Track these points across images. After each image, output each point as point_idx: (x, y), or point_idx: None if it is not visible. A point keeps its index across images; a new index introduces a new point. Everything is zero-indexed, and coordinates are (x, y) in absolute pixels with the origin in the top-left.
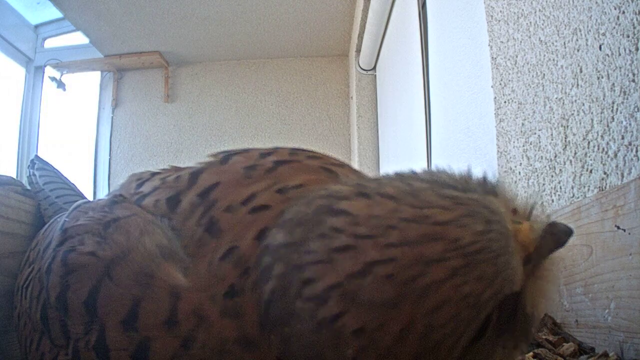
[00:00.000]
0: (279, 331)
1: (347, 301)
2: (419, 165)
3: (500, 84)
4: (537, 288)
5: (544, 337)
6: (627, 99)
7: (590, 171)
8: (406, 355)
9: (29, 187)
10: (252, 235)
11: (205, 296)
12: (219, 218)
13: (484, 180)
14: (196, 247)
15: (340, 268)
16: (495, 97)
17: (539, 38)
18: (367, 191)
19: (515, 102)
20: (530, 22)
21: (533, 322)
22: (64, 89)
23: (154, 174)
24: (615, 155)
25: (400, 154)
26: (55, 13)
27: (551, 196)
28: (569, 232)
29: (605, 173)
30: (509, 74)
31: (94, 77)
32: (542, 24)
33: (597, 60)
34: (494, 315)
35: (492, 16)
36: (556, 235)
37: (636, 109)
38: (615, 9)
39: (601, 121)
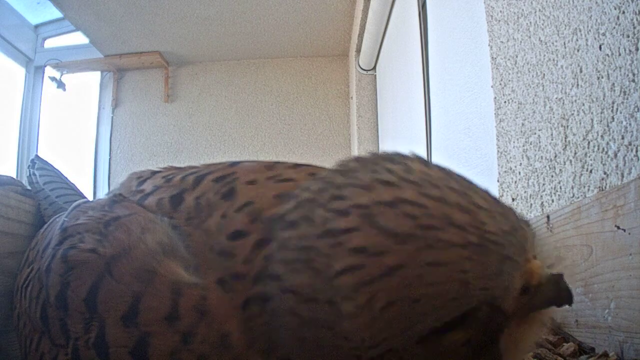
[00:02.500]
0: (277, 236)
1: (365, 221)
2: None
3: (500, 84)
4: (518, 334)
5: (544, 337)
6: (627, 99)
7: (590, 171)
8: (381, 295)
9: (29, 187)
10: (273, 194)
11: (206, 247)
12: (240, 188)
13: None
14: (208, 211)
15: (375, 195)
16: (495, 97)
17: (539, 38)
18: (426, 162)
19: (515, 102)
20: (530, 22)
21: None
22: (64, 89)
23: (154, 172)
24: (615, 155)
25: None
26: (55, 13)
27: (551, 196)
28: (569, 293)
29: (605, 173)
30: (509, 74)
31: (94, 77)
32: (542, 24)
33: (597, 60)
34: (472, 325)
35: (492, 16)
36: (558, 286)
37: (636, 109)
38: (615, 9)
39: (601, 121)
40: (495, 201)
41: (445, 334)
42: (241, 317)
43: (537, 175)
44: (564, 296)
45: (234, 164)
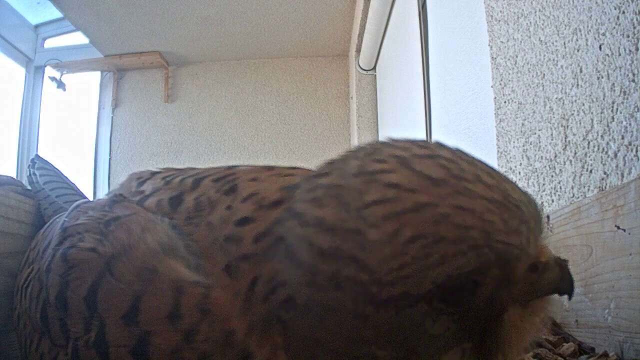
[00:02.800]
0: (304, 186)
1: (401, 165)
2: None
3: (500, 84)
4: (519, 323)
5: (544, 337)
6: (627, 99)
7: (590, 171)
8: (408, 228)
9: (29, 187)
10: (277, 186)
11: (209, 239)
12: (242, 185)
13: None
14: (210, 207)
15: (412, 151)
16: (495, 97)
17: (539, 38)
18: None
19: (515, 102)
20: (530, 22)
21: (498, 351)
22: (64, 89)
23: (154, 173)
24: (615, 155)
25: None
26: (55, 13)
27: (551, 196)
28: (571, 280)
29: (605, 173)
30: (509, 74)
31: (94, 77)
32: (542, 24)
33: (597, 60)
34: (482, 288)
35: (492, 16)
36: (564, 270)
37: (636, 109)
38: (615, 9)
39: (601, 121)
40: (514, 183)
41: (457, 292)
42: (244, 302)
43: (537, 175)
44: (567, 281)
45: (232, 167)
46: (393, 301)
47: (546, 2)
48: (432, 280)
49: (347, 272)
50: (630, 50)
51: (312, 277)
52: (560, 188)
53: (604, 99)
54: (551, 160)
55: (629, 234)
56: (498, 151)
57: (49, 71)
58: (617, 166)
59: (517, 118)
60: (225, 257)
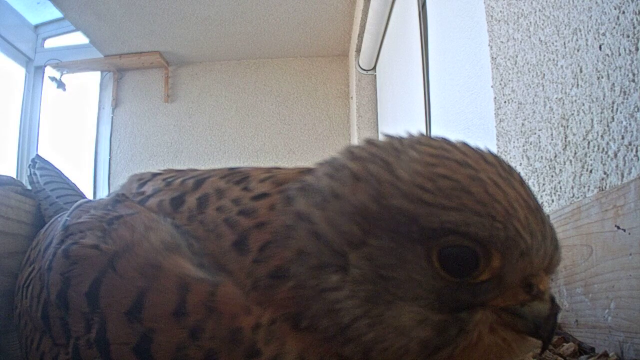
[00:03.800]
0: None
1: (461, 143)
2: None
3: (500, 84)
4: (490, 332)
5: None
6: (627, 99)
7: (590, 171)
8: (445, 168)
9: (29, 187)
10: (296, 171)
11: (218, 220)
12: (254, 174)
13: None
14: (218, 196)
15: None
16: (495, 97)
17: (539, 38)
18: None
19: (515, 102)
20: (530, 22)
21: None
22: (64, 89)
23: (155, 174)
24: (615, 155)
25: None
26: (55, 13)
27: (551, 196)
28: (554, 325)
29: (605, 173)
30: (509, 74)
31: (94, 77)
32: (542, 24)
33: (597, 60)
34: (478, 266)
35: (492, 16)
36: (554, 310)
37: (636, 109)
38: (615, 9)
39: (601, 121)
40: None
41: (456, 257)
42: (250, 273)
43: (537, 175)
44: (550, 324)
45: (235, 168)
46: (398, 215)
47: (546, 2)
48: (442, 221)
49: (372, 168)
50: (630, 50)
51: (335, 172)
52: (560, 188)
53: (604, 99)
54: (551, 160)
55: (629, 234)
56: (498, 151)
57: (49, 71)
58: (617, 166)
59: (517, 118)
60: (235, 232)
